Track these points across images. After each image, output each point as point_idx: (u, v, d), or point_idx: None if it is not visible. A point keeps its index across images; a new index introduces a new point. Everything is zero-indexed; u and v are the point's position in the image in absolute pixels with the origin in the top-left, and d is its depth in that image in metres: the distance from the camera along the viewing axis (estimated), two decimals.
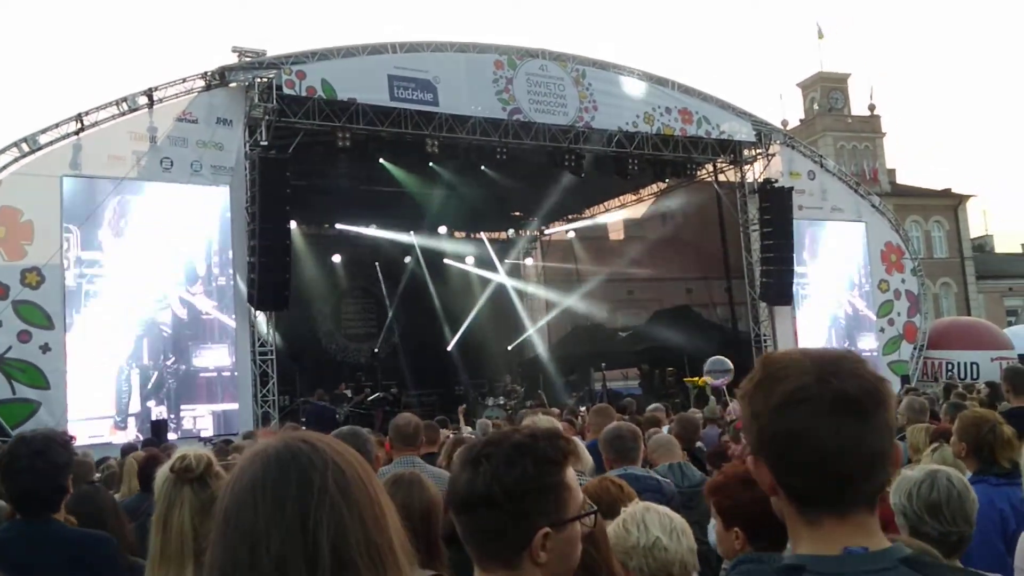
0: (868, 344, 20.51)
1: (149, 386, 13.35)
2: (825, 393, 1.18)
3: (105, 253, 13.17)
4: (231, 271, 14.06)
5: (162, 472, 3.08)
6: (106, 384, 13.04)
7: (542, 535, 1.45)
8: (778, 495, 1.25)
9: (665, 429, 6.43)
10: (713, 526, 2.68)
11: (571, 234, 25.47)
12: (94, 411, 12.76)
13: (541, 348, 26.20)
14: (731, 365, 10.10)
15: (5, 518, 3.03)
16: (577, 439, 7.20)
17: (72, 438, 3.43)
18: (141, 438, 12.70)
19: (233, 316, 14.02)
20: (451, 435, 8.17)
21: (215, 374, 13.88)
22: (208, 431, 13.44)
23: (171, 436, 12.73)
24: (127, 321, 13.26)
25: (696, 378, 15.91)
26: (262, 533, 1.01)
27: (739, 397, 1.34)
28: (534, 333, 26.41)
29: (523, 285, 26.68)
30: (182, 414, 13.52)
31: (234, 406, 13.82)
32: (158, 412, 13.21)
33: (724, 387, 9.74)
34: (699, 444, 6.57)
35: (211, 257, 14.08)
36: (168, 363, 13.53)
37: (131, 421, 13.06)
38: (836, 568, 1.17)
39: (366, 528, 1.04)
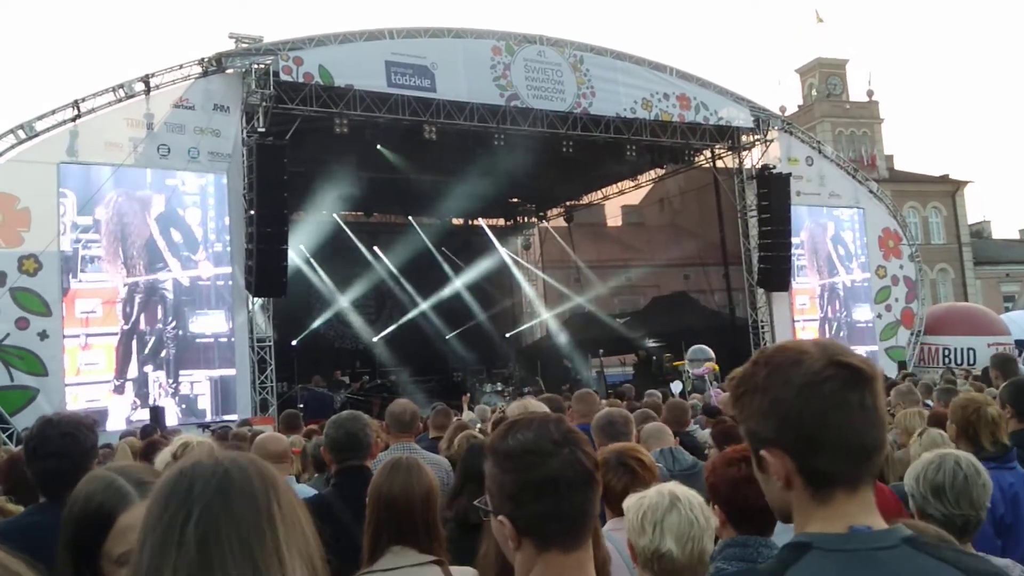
0: (867, 342, 20.45)
1: (147, 351, 13.42)
2: (841, 371, 1.24)
3: (101, 221, 13.17)
4: (228, 258, 14.08)
5: (163, 458, 3.12)
6: (104, 349, 13.10)
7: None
8: (792, 486, 1.26)
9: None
10: None
11: (569, 220, 25.45)
12: (92, 376, 12.87)
13: (539, 334, 26.28)
14: (712, 354, 10.14)
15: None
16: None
17: (95, 421, 3.42)
18: (138, 403, 12.85)
19: (230, 302, 14.06)
20: (456, 419, 8.16)
21: (212, 340, 13.95)
22: (206, 396, 13.59)
23: (169, 411, 12.93)
24: (125, 286, 13.30)
25: (680, 361, 15.87)
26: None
27: (743, 395, 1.31)
28: (532, 320, 26.49)
29: (520, 272, 26.71)
30: (180, 379, 13.62)
31: (231, 371, 13.92)
32: (156, 377, 13.31)
33: (705, 375, 9.74)
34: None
35: (208, 243, 14.09)
36: (166, 328, 13.59)
37: (128, 386, 13.16)
38: (842, 545, 1.20)
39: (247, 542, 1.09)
